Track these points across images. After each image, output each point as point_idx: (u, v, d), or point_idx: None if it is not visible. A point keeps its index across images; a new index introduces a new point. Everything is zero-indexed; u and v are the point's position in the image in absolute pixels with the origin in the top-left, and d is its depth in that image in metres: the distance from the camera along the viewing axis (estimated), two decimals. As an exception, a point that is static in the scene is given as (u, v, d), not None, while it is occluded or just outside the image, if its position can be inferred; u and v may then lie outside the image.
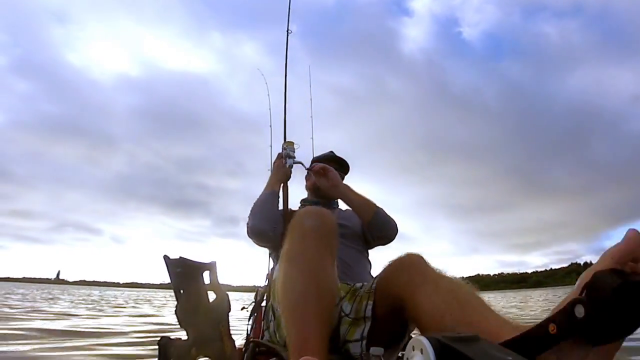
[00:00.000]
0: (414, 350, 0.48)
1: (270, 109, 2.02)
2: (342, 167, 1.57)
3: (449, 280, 0.80)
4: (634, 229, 0.45)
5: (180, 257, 0.90)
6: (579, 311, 0.44)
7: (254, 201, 1.38)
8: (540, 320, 0.50)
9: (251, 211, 1.35)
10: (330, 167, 1.41)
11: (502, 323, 0.65)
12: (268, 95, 2.06)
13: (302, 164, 1.48)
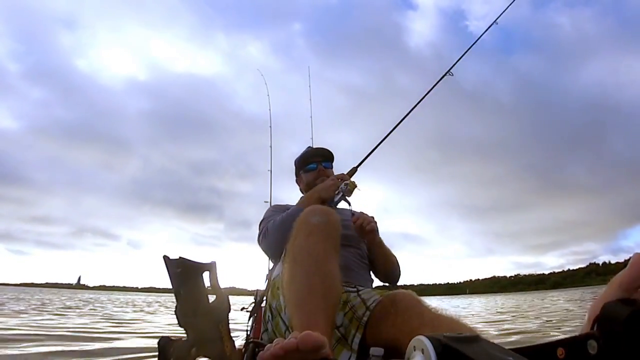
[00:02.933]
0: (415, 350, 0.48)
1: (270, 109, 2.06)
2: (331, 159, 1.60)
3: (447, 320, 0.80)
4: (639, 253, 0.43)
5: (180, 257, 0.89)
6: (592, 346, 0.43)
7: (282, 215, 1.26)
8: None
9: (279, 227, 1.22)
10: (371, 218, 1.30)
11: None
12: (268, 95, 2.11)
13: (349, 203, 1.35)
